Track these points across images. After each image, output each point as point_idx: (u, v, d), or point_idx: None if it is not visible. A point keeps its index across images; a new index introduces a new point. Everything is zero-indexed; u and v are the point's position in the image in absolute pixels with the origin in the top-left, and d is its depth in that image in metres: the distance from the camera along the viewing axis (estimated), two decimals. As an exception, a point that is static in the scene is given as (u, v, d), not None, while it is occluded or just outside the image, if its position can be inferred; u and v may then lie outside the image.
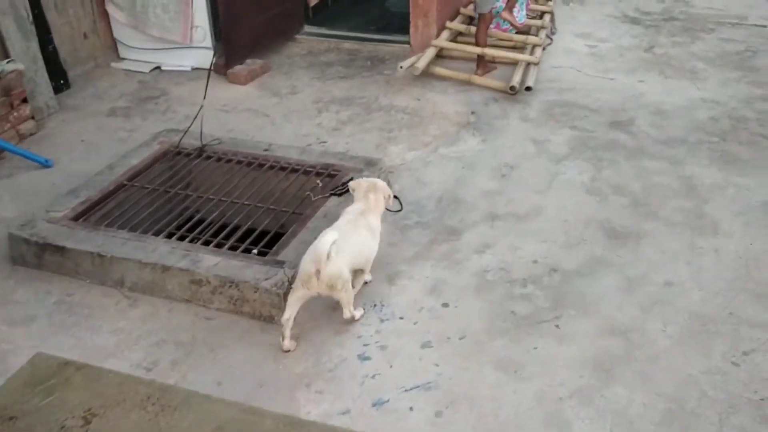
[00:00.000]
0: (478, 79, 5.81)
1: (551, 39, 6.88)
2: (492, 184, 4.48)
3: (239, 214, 3.97)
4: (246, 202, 4.05)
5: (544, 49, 6.48)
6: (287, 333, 3.07)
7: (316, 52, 6.77)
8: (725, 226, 4.02)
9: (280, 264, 3.44)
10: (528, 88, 5.52)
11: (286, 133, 5.19)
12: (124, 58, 6.57)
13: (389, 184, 4.06)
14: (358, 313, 3.28)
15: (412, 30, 6.53)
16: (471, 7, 6.65)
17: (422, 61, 5.80)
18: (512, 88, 5.49)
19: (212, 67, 4.82)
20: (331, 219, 3.75)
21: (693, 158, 4.73)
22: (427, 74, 6.01)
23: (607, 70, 6.20)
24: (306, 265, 2.97)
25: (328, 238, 2.92)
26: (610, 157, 4.76)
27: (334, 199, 3.96)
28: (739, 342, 3.19)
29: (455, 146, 4.96)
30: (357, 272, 3.27)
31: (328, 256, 2.88)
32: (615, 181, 4.48)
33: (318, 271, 2.90)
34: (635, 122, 5.25)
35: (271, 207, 3.99)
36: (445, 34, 6.34)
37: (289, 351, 3.12)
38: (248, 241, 3.71)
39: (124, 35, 6.48)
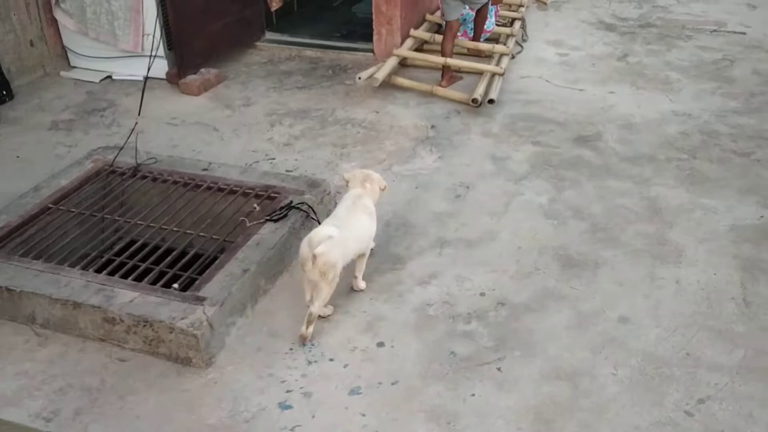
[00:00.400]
0: (440, 91, 5.55)
1: (521, 47, 6.62)
2: (445, 206, 4.21)
3: (168, 240, 3.70)
4: (175, 228, 3.77)
5: (513, 57, 6.22)
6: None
7: (277, 60, 6.50)
8: (689, 253, 3.76)
9: (201, 301, 3.16)
10: (491, 101, 5.25)
11: (235, 149, 4.92)
12: (74, 67, 6.29)
13: (335, 206, 3.84)
14: (362, 284, 3.50)
15: (375, 38, 6.27)
16: (438, 14, 6.37)
17: (382, 71, 5.53)
18: (474, 100, 5.22)
19: (146, 80, 4.53)
20: (264, 248, 3.49)
21: (660, 177, 4.47)
22: (388, 85, 5.75)
23: (577, 80, 5.94)
24: (304, 249, 3.06)
25: (325, 229, 3.05)
26: (573, 176, 4.50)
27: (270, 226, 3.69)
28: (694, 388, 2.93)
29: (411, 164, 4.69)
30: (359, 257, 3.39)
31: (320, 244, 2.98)
32: (575, 202, 4.22)
33: (314, 256, 2.99)
34: (602, 137, 4.99)
35: (202, 234, 3.71)
36: (409, 42, 6.07)
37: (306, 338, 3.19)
38: (172, 272, 3.43)
39: (74, 43, 6.21)
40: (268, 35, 6.83)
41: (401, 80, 5.73)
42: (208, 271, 3.39)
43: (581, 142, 4.94)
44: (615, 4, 7.96)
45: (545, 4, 7.89)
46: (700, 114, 5.31)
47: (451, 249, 3.85)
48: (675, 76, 6.00)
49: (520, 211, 4.17)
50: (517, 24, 6.65)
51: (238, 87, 5.93)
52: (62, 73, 6.20)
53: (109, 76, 6.15)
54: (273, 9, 6.83)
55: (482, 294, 3.51)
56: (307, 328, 3.14)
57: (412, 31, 6.09)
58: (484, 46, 6.03)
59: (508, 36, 6.33)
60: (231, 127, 5.23)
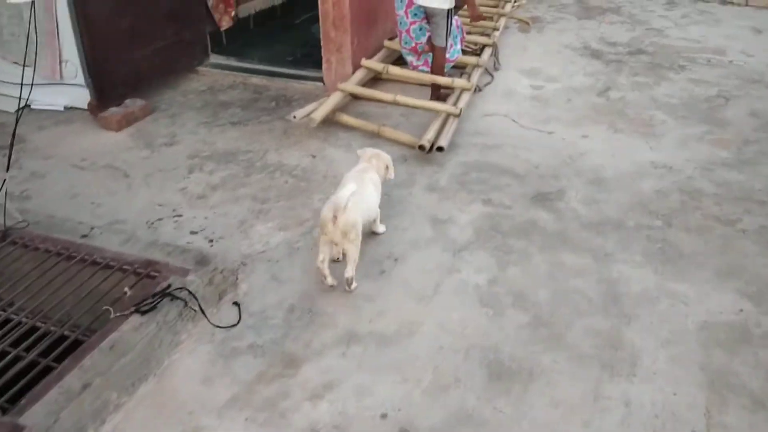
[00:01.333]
0: (387, 132, 4.88)
1: (492, 76, 5.92)
2: (365, 286, 3.54)
3: (12, 334, 3.06)
4: (25, 318, 3.13)
5: (479, 90, 5.55)
6: (326, 272, 3.43)
7: (218, 88, 5.85)
8: (646, 361, 3.08)
9: (20, 430, 2.52)
10: (440, 149, 4.56)
11: (140, 201, 4.28)
12: (-5, 92, 5.64)
13: (236, 280, 3.51)
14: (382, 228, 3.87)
15: (324, 66, 5.61)
16: (398, 40, 5.69)
17: (321, 110, 4.87)
18: (421, 147, 4.54)
19: (20, 115, 3.87)
20: (119, 352, 2.85)
21: (625, 252, 3.78)
22: (333, 122, 5.08)
23: (547, 119, 5.24)
24: (325, 211, 3.27)
25: (348, 188, 3.29)
26: (522, 246, 3.82)
27: (136, 318, 3.04)
28: None
29: (336, 226, 4.00)
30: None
31: (346, 205, 3.21)
32: (519, 285, 3.54)
33: (335, 217, 3.19)
34: (565, 195, 4.30)
35: (53, 327, 3.07)
36: (360, 74, 5.40)
37: (333, 286, 3.47)
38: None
39: (-9, 66, 5.56)
40: (213, 59, 6.19)
41: (346, 118, 5.07)
42: (40, 385, 2.74)
43: (540, 201, 4.25)
44: (605, 26, 7.25)
45: (528, 24, 7.18)
46: (683, 166, 4.60)
47: (359, 347, 3.18)
48: (660, 117, 5.29)
49: (452, 295, 3.50)
50: (488, 52, 5.94)
51: (165, 121, 5.29)
52: (-23, 99, 5.56)
53: (28, 105, 5.50)
54: (222, 28, 6.17)
55: (383, 416, 2.84)
56: (349, 286, 3.43)
57: (364, 61, 5.42)
58: (442, 80, 5.32)
59: (474, 66, 5.62)
60: (144, 173, 4.59)
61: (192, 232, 3.99)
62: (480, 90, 5.67)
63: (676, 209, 4.17)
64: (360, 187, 3.46)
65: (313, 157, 4.77)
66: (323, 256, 3.37)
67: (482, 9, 6.78)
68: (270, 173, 4.58)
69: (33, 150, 4.90)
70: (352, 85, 5.17)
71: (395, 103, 5.01)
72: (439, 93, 5.37)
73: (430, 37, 5.36)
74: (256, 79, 5.90)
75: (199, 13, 5.86)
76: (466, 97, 5.16)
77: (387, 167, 3.84)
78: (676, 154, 4.78)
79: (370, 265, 3.69)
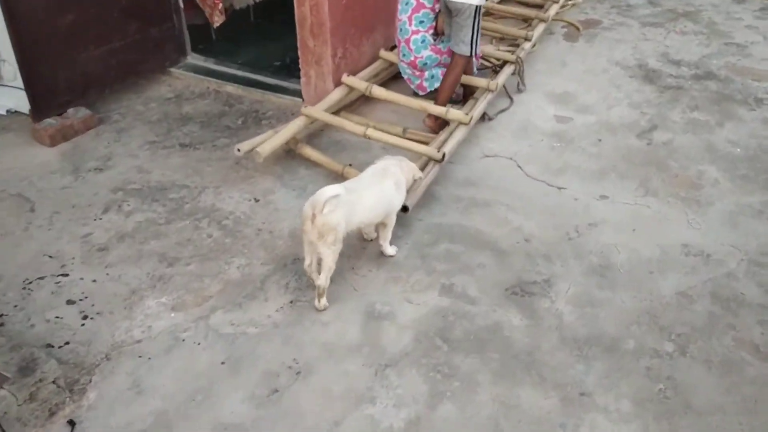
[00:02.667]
0: (353, 173, 3.91)
1: (511, 99, 4.83)
2: (243, 413, 2.68)
3: None
4: None
5: (488, 119, 4.52)
6: (315, 277, 3.11)
7: (186, 96, 5.03)
8: None
9: None
10: (404, 209, 3.57)
11: (30, 249, 3.56)
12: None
13: (89, 382, 2.75)
14: (393, 250, 3.45)
15: (303, 81, 4.70)
16: (397, 51, 4.68)
17: (271, 142, 3.97)
18: (403, 208, 3.56)
19: None
20: None
21: (609, 393, 2.75)
22: (297, 154, 4.19)
23: (563, 168, 4.14)
24: (306, 207, 2.98)
25: (329, 189, 2.94)
26: (471, 369, 2.86)
27: None
28: None
29: (244, 311, 3.16)
30: (381, 226, 3.34)
31: (325, 204, 2.89)
32: (446, 436, 2.57)
33: (314, 215, 2.91)
34: (553, 288, 3.26)
35: None
36: (338, 93, 4.44)
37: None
38: None
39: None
40: (192, 59, 5.37)
41: (309, 151, 4.15)
42: None
43: (517, 296, 3.23)
44: (674, 37, 5.95)
45: (578, 30, 5.97)
46: (726, 256, 3.45)
47: None
48: (712, 175, 4.09)
49: (353, 442, 2.56)
50: (507, 72, 4.83)
51: (108, 137, 4.52)
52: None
53: (-30, 107, 4.87)
54: (215, 24, 5.32)
55: None
56: (319, 300, 3.10)
57: (345, 77, 4.45)
58: (434, 108, 4.29)
59: (485, 91, 4.54)
60: (54, 208, 3.85)
61: (69, 302, 3.22)
62: (490, 119, 4.60)
63: (700, 327, 3.06)
64: (368, 188, 3.21)
65: (256, 201, 3.88)
66: (309, 259, 3.12)
67: (517, 11, 5.65)
68: (196, 221, 3.73)
69: (-50, 165, 4.23)
70: (318, 110, 4.22)
71: (366, 137, 4.03)
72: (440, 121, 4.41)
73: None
74: (230, 88, 5.04)
75: (169, 8, 5.01)
76: (459, 134, 4.11)
77: (415, 178, 3.47)
78: (721, 235, 3.61)
79: (261, 380, 2.82)
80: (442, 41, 4.56)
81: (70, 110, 4.57)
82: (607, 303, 3.19)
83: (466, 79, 4.62)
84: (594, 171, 4.13)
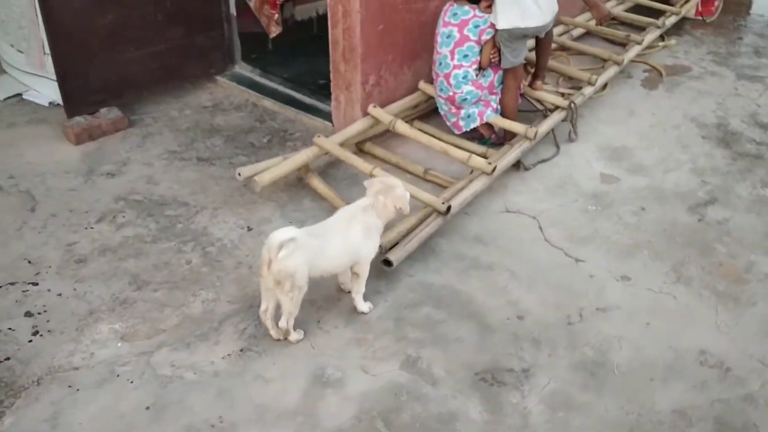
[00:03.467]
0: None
1: (557, 148, 4.40)
2: (146, 470, 2.47)
3: None
4: None
5: (524, 169, 4.17)
6: (269, 324, 2.93)
7: (223, 107, 4.94)
8: None
9: None
10: (387, 263, 3.27)
11: (15, 250, 3.57)
12: (5, 72, 5.22)
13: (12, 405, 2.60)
14: (366, 307, 3.15)
15: (333, 105, 4.48)
16: (434, 85, 4.36)
17: (273, 172, 3.77)
18: (386, 262, 3.28)
19: None
20: None
21: None
22: (305, 185, 3.99)
23: (589, 237, 3.70)
24: (264, 250, 2.75)
25: (282, 232, 2.72)
26: (402, 466, 2.50)
27: None
28: None
29: (190, 353, 3.00)
30: (354, 276, 3.06)
31: (281, 248, 2.66)
32: None
33: (270, 261, 2.70)
34: (528, 381, 2.88)
35: None
36: (361, 124, 4.18)
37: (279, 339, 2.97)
38: None
39: (2, 47, 5.13)
40: (240, 68, 5.28)
41: (316, 183, 3.93)
42: None
43: (485, 383, 2.87)
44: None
45: (660, 75, 5.41)
46: (749, 374, 2.95)
47: None
48: (765, 269, 3.51)
49: None
50: (555, 118, 4.40)
51: (133, 141, 4.49)
52: (-19, 78, 5.15)
53: (20, 94, 4.99)
54: (272, 35, 5.20)
55: None
56: (286, 338, 2.95)
57: (371, 108, 4.18)
58: (456, 153, 3.95)
59: (523, 138, 4.15)
60: (53, 210, 3.84)
61: (27, 314, 3.16)
62: (526, 168, 4.19)
63: (692, 462, 2.56)
64: (329, 234, 2.94)
65: (248, 230, 3.70)
66: (266, 305, 2.89)
67: (591, 50, 5.18)
68: (181, 243, 3.60)
69: (-20, 153, 4.32)
70: (332, 141, 3.97)
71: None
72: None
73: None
74: (268, 102, 4.89)
75: (219, 15, 4.93)
76: (478, 185, 3.75)
77: (398, 209, 3.05)
78: (752, 346, 3.07)
79: (183, 433, 2.60)
80: (484, 75, 4.21)
81: (103, 110, 4.57)
82: (586, 409, 2.75)
83: (504, 123, 4.23)
84: (624, 245, 3.65)
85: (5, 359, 2.92)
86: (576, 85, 4.96)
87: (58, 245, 3.58)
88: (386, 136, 4.43)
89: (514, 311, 3.21)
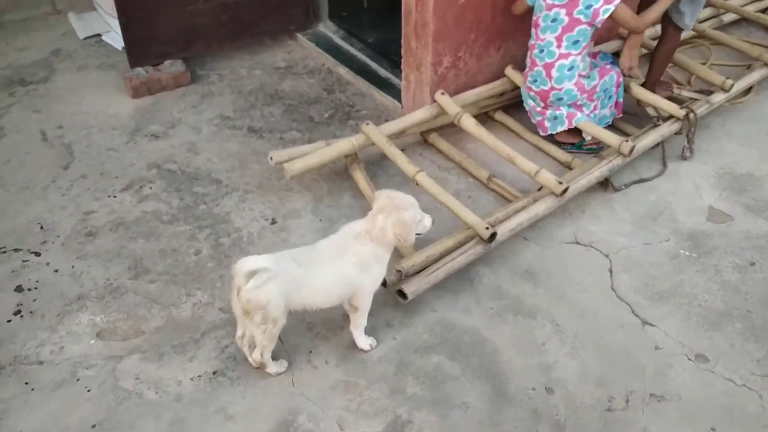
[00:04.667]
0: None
1: (664, 166, 3.63)
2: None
3: None
4: None
5: (612, 189, 3.44)
6: (246, 352, 2.56)
7: (296, 70, 4.52)
8: None
9: None
10: (401, 294, 2.77)
11: (27, 214, 3.40)
12: (95, 10, 5.11)
13: None
14: (366, 344, 2.69)
15: (403, 85, 3.94)
16: (525, 74, 3.68)
17: (305, 161, 3.32)
18: (401, 293, 2.80)
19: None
20: None
21: None
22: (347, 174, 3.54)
23: (669, 293, 2.99)
24: (234, 272, 2.34)
25: (251, 261, 2.30)
26: None
27: None
28: None
29: (160, 365, 2.71)
30: (352, 309, 2.61)
31: (250, 277, 2.27)
32: None
33: (239, 289, 2.31)
34: (536, 481, 2.29)
35: None
36: (423, 113, 3.61)
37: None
38: None
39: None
40: (323, 27, 4.82)
41: (358, 176, 3.44)
42: None
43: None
44: None
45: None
46: None
47: None
48: None
49: None
50: (663, 131, 3.60)
51: (191, 100, 4.20)
52: (70, 14, 5.05)
53: (99, 35, 4.84)
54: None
55: None
56: (264, 369, 2.55)
57: (438, 96, 3.59)
58: (523, 163, 3.30)
59: (616, 153, 3.42)
60: (84, 171, 3.66)
61: (18, 288, 2.99)
62: (615, 189, 3.47)
63: None
64: (318, 261, 2.45)
65: (272, 222, 3.31)
66: (241, 331, 2.53)
67: (738, 44, 4.22)
68: (198, 228, 3.28)
69: (44, 95, 4.22)
70: (381, 131, 3.44)
71: (415, 183, 3.21)
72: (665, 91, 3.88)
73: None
74: (343, 71, 4.41)
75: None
76: (541, 207, 3.11)
77: (398, 235, 2.46)
78: None
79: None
80: (589, 77, 3.49)
81: (167, 63, 4.30)
82: None
83: (595, 130, 3.50)
84: (713, 311, 2.89)
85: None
86: (708, 87, 4.04)
87: (75, 212, 3.37)
88: (457, 127, 3.82)
89: (544, 379, 2.61)
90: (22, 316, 2.85)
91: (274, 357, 2.59)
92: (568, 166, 3.57)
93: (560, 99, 3.50)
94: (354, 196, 3.46)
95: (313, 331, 2.78)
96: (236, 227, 3.29)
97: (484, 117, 3.95)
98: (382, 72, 4.30)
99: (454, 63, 3.69)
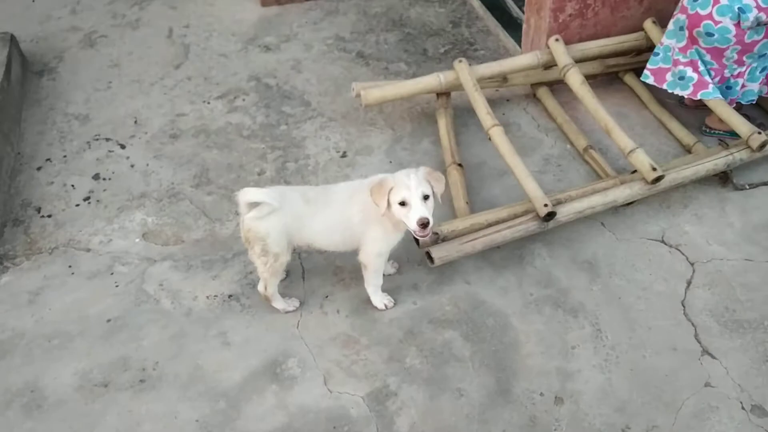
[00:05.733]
0: (453, 176, 2.95)
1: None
2: (59, 389, 2.42)
3: None
4: None
5: (733, 187, 2.93)
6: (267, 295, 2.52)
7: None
8: None
9: None
10: (429, 257, 2.58)
11: (128, 106, 3.61)
12: None
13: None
14: (381, 303, 2.55)
15: (524, 28, 3.56)
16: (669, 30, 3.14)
17: (383, 91, 3.15)
18: (429, 256, 2.62)
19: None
20: None
21: None
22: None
23: (749, 324, 2.53)
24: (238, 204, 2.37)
25: (250, 193, 2.26)
26: None
27: None
28: None
29: (185, 277, 2.78)
30: (362, 267, 2.47)
31: (251, 207, 2.27)
32: None
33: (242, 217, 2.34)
34: None
35: None
36: (526, 59, 3.25)
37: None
38: None
39: None
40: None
41: (442, 123, 3.21)
42: None
43: None
44: None
45: None
46: None
47: None
48: None
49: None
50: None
51: (312, 16, 4.17)
52: None
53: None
54: None
55: None
56: (268, 302, 2.53)
57: (551, 42, 3.20)
58: (621, 137, 2.85)
59: (745, 144, 2.87)
60: (189, 74, 3.80)
61: (95, 176, 3.21)
62: (737, 188, 2.94)
63: None
64: (325, 202, 2.35)
65: (342, 155, 3.22)
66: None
67: None
68: (270, 148, 3.32)
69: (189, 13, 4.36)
70: (470, 73, 3.11)
71: (488, 137, 2.93)
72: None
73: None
74: (476, 2, 4.09)
75: None
76: (622, 193, 2.71)
77: (377, 189, 2.23)
78: None
79: (112, 364, 2.45)
80: (756, 32, 2.84)
81: (306, -27, 4.22)
82: None
83: (725, 112, 2.93)
84: (801, 357, 2.38)
85: (47, 215, 2.97)
86: None
87: (169, 112, 3.51)
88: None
89: (558, 387, 2.32)
90: (89, 203, 3.04)
91: (290, 294, 2.54)
92: (689, 150, 3.05)
93: (709, 35, 2.87)
94: (434, 142, 3.24)
95: (337, 276, 2.69)
96: (306, 154, 3.22)
97: (612, 78, 3.48)
98: (515, 11, 3.91)
99: (580, 11, 3.24)
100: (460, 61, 3.15)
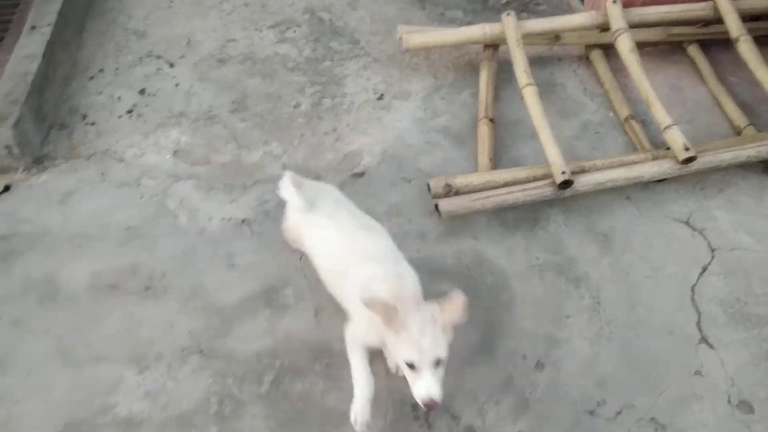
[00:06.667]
0: (483, 132, 2.92)
1: None
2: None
3: None
4: None
5: None
6: None
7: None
8: None
9: None
10: (437, 209, 2.59)
11: (186, 26, 3.70)
12: None
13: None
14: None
15: (587, -17, 3.40)
16: None
17: (425, 37, 3.12)
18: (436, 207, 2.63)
19: None
20: None
21: None
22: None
23: (758, 319, 2.41)
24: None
25: (294, 193, 2.23)
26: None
27: None
28: None
29: (205, 198, 2.88)
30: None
31: (293, 195, 2.24)
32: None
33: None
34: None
35: None
36: (581, 18, 3.13)
37: None
38: None
39: None
40: None
41: (483, 76, 3.15)
42: None
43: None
44: None
45: None
46: None
47: None
48: None
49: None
50: None
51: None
52: None
53: None
54: None
55: None
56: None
57: (609, 3, 3.05)
58: (660, 112, 2.73)
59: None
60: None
61: (141, 92, 3.33)
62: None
63: None
64: (342, 224, 2.19)
65: (379, 98, 3.22)
66: None
67: None
68: (310, 83, 3.34)
69: None
70: (515, 27, 3.01)
71: (521, 97, 2.85)
72: None
73: None
74: (547, -44, 3.92)
75: None
76: (649, 170, 2.60)
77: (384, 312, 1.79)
78: None
79: (122, 270, 2.60)
80: None
81: None
82: None
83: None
84: (806, 362, 2.27)
85: (91, 123, 3.12)
86: None
87: (221, 37, 3.57)
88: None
89: (542, 353, 2.31)
90: (131, 116, 3.16)
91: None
92: (739, 132, 2.88)
93: None
94: (474, 94, 3.19)
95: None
96: (344, 92, 3.24)
97: (675, 47, 3.30)
98: (586, -35, 3.72)
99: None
100: (508, 14, 3.05)
